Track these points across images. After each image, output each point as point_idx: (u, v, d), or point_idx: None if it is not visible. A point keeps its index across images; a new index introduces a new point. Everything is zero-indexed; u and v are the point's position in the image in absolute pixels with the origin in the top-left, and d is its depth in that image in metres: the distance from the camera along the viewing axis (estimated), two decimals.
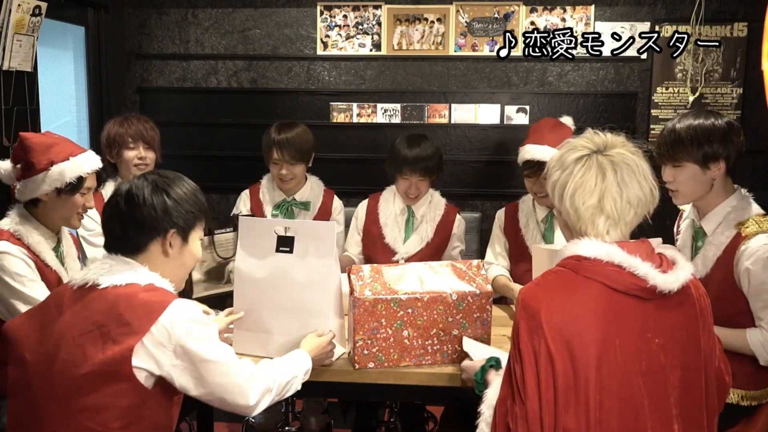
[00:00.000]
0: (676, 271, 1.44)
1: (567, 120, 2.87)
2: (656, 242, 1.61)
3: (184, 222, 1.65)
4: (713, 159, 1.99)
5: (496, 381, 1.59)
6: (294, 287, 1.98)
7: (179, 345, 1.51)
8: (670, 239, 2.28)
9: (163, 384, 1.54)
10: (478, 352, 1.88)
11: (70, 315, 1.54)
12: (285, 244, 1.99)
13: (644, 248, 1.45)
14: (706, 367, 1.48)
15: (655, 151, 2.09)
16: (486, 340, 2.01)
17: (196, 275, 2.49)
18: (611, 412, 1.36)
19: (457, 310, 1.96)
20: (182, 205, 1.65)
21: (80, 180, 2.13)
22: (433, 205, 2.96)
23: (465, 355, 1.92)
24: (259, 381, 1.65)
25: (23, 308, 1.96)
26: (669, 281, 1.41)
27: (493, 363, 1.73)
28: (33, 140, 2.10)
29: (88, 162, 2.16)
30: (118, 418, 1.48)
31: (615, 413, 1.36)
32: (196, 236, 1.71)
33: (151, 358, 1.50)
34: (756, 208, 2.04)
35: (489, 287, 2.00)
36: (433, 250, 2.91)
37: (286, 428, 3.10)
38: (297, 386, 1.78)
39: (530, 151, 2.65)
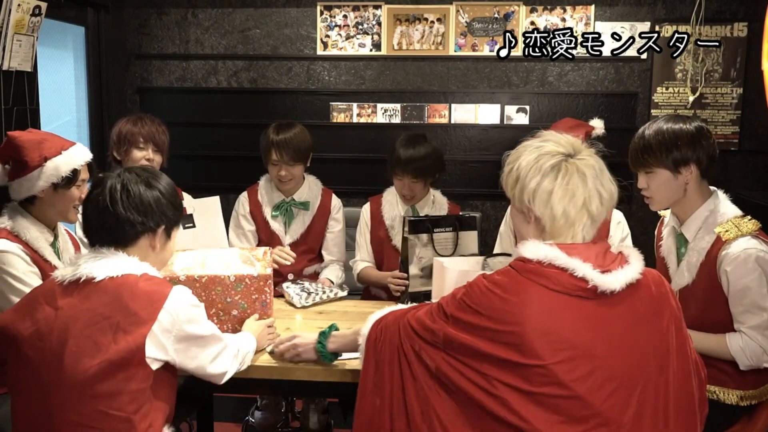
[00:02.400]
0: (620, 271, 1.43)
1: (597, 123, 2.85)
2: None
3: (172, 219, 1.73)
4: (683, 163, 1.98)
5: (371, 318, 1.67)
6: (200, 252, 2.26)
7: (181, 329, 1.59)
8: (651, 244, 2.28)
9: (167, 366, 1.61)
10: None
11: (69, 310, 1.56)
12: (188, 221, 2.43)
13: (594, 248, 1.45)
14: (674, 363, 1.46)
15: (628, 158, 2.08)
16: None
17: (414, 270, 2.49)
18: (572, 405, 1.36)
19: (236, 291, 2.07)
20: (171, 202, 1.72)
21: (75, 173, 2.14)
22: (436, 205, 2.95)
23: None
24: (230, 349, 1.77)
25: None
26: (608, 281, 1.41)
27: (336, 328, 1.86)
28: (22, 138, 2.10)
29: (81, 154, 2.17)
30: (131, 401, 1.54)
31: (576, 406, 1.36)
32: (176, 233, 1.78)
33: (159, 344, 1.56)
34: (733, 210, 2.02)
35: (269, 271, 2.11)
36: None
37: (286, 428, 3.10)
38: (248, 361, 1.90)
39: None
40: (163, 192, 1.70)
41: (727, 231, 1.96)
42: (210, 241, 2.41)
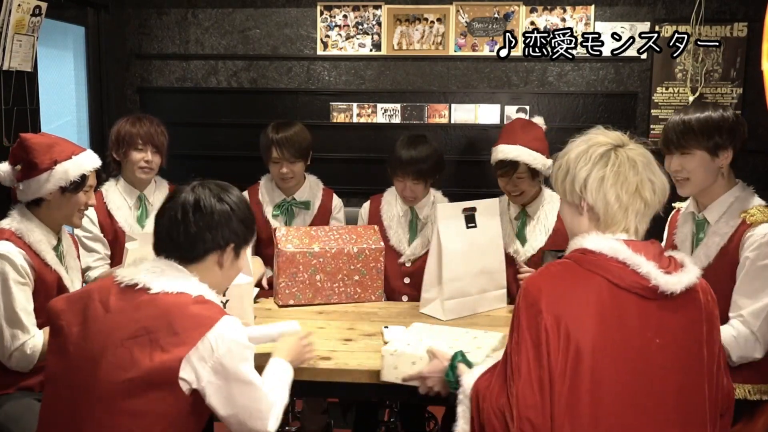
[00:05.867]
0: (681, 274, 1.44)
1: (538, 120, 2.87)
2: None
3: (242, 237, 1.70)
4: (722, 148, 2.02)
5: (475, 369, 1.61)
6: (481, 253, 2.52)
7: (219, 363, 1.52)
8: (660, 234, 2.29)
9: (197, 396, 1.55)
10: (400, 338, 1.99)
11: (118, 315, 1.54)
12: (470, 221, 2.51)
13: (652, 249, 1.46)
14: (710, 374, 1.47)
15: (661, 142, 2.10)
16: (380, 285, 2.62)
17: None
18: (608, 407, 1.37)
19: (358, 260, 2.57)
20: (242, 219, 1.69)
21: (83, 178, 2.17)
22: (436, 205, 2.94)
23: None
24: (276, 407, 1.67)
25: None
26: (671, 282, 1.41)
27: (460, 358, 1.75)
28: (34, 140, 2.13)
29: (90, 160, 2.21)
30: (156, 423, 1.50)
31: (611, 408, 1.37)
32: (246, 252, 1.75)
33: (193, 370, 1.51)
34: (759, 200, 2.06)
35: (381, 244, 2.62)
36: None
37: (286, 428, 3.10)
38: (288, 393, 1.80)
39: (503, 151, 2.68)
40: (234, 209, 1.67)
41: (753, 216, 1.97)
42: (487, 240, 2.53)
